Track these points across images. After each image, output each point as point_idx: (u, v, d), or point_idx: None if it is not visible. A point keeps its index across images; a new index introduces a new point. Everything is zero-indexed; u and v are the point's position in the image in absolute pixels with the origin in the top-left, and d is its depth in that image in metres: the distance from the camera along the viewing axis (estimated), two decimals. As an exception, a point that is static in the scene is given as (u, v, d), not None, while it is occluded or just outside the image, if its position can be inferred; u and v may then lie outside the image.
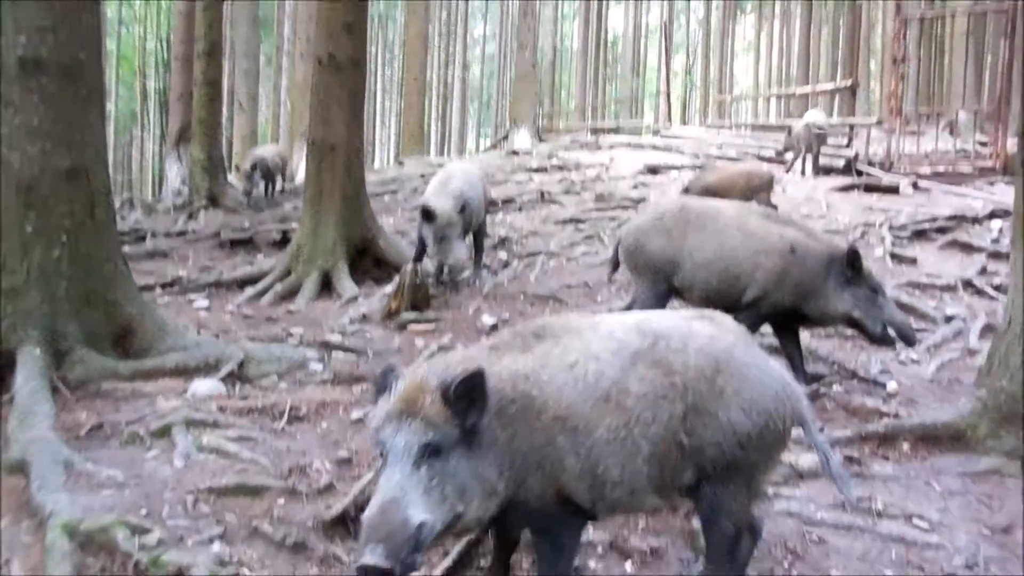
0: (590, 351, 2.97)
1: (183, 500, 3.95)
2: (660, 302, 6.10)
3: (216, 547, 3.56)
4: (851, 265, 5.57)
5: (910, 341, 5.79)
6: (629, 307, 6.36)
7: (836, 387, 5.92)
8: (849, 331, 6.17)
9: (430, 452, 2.57)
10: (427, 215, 7.79)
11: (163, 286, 8.95)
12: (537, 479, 2.82)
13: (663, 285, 6.07)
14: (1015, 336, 4.81)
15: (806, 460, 4.69)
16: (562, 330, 3.05)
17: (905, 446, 4.92)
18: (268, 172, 14.96)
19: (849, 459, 4.70)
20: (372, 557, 2.37)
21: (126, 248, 8.45)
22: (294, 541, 3.71)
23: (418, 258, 8.45)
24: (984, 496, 4.40)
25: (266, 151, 15.97)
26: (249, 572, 3.45)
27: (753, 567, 3.59)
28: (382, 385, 2.76)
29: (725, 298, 5.88)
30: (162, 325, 6.14)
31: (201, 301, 8.34)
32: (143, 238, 11.86)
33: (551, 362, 2.91)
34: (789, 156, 15.26)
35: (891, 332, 5.64)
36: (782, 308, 5.74)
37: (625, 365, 2.94)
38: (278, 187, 15.56)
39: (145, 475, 4.23)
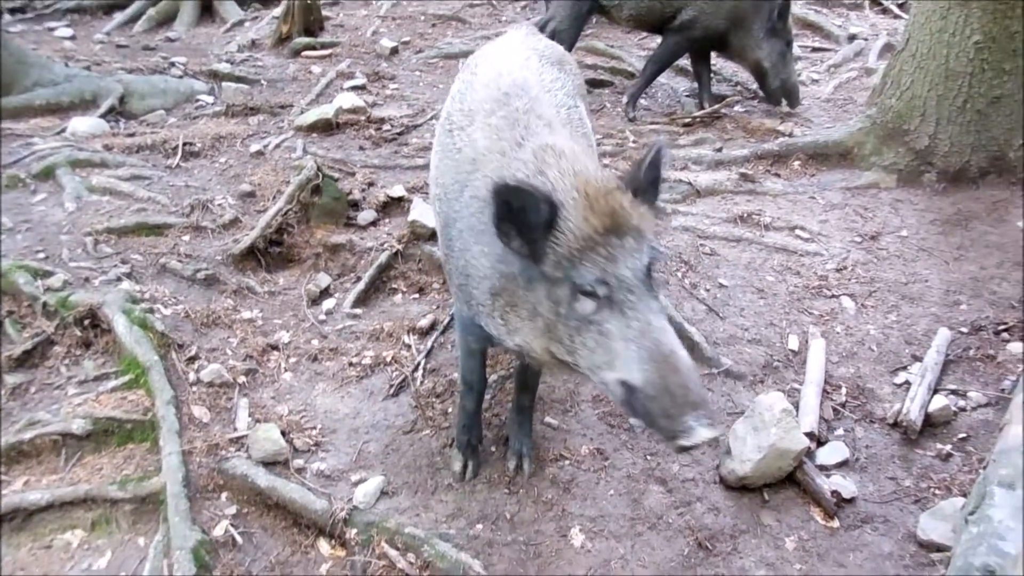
0: (564, 102, 2.69)
1: (82, 242, 3.84)
2: (579, 22, 5.84)
3: (125, 285, 3.54)
4: (780, 13, 5.47)
5: (794, 103, 5.87)
6: (543, 27, 6.07)
7: (738, 108, 6.03)
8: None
9: (648, 271, 2.03)
10: None
11: (12, 12, 7.90)
12: None
13: (586, 3, 5.75)
14: (910, 55, 4.89)
15: (704, 179, 4.89)
16: (529, 80, 2.61)
17: (796, 164, 5.17)
18: None
19: (744, 176, 4.92)
20: (709, 429, 1.87)
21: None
22: (205, 275, 3.73)
23: None
24: (860, 207, 4.76)
25: None
26: (164, 308, 3.48)
27: (649, 278, 3.87)
28: (513, 206, 1.99)
29: (657, 17, 5.67)
30: (22, 57, 5.52)
31: (63, 29, 7.47)
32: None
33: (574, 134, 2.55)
34: None
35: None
36: (713, 34, 5.61)
37: (577, 104, 2.81)
38: None
39: (35, 219, 4.05)
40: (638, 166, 2.10)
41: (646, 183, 2.09)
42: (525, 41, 3.03)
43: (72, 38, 7.24)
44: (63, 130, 5.04)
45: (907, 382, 3.36)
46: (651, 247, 2.04)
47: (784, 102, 5.91)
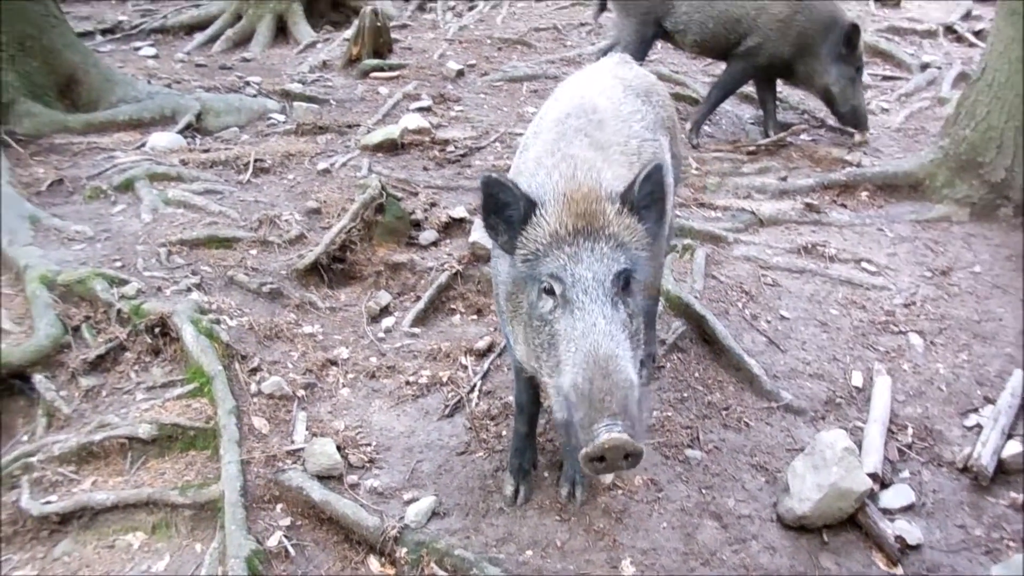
0: (638, 134, 2.72)
1: (156, 252, 3.99)
2: (644, 47, 5.85)
3: (194, 296, 3.66)
4: (848, 40, 5.38)
5: (862, 128, 5.74)
6: (607, 51, 6.10)
7: (804, 136, 5.93)
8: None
9: (623, 282, 2.05)
10: None
11: (103, 32, 8.31)
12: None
13: (651, 29, 5.76)
14: (986, 84, 4.74)
15: (768, 208, 4.82)
16: (601, 105, 2.67)
17: (864, 195, 5.05)
18: None
19: (809, 206, 4.83)
20: (617, 434, 1.79)
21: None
22: (270, 289, 3.83)
23: None
24: (931, 241, 4.62)
25: None
26: (229, 319, 3.59)
27: (710, 307, 3.82)
28: (499, 200, 2.10)
29: (722, 43, 5.64)
30: (109, 75, 5.80)
31: (147, 49, 7.82)
32: (72, -24, 10.78)
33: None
34: None
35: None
36: (779, 61, 5.55)
37: (656, 137, 2.83)
38: None
39: (114, 229, 4.23)
40: (633, 181, 2.12)
41: (640, 197, 2.11)
42: (614, 70, 3.08)
43: (155, 57, 7.57)
44: (143, 144, 5.26)
45: (979, 425, 3.22)
46: (630, 258, 2.05)
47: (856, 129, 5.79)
